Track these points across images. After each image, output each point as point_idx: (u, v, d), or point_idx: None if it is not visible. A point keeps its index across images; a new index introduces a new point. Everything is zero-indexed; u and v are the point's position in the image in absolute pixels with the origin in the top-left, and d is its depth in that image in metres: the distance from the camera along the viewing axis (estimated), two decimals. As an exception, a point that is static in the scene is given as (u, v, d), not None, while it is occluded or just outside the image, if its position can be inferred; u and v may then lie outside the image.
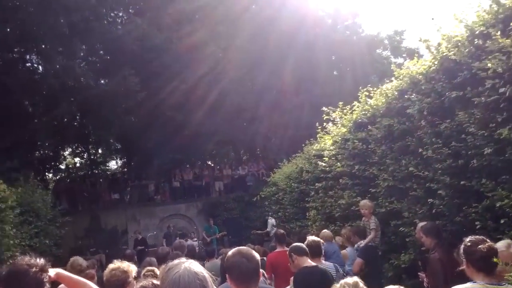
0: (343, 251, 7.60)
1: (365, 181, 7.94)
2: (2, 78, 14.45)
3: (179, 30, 20.57)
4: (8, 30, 14.79)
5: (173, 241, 18.03)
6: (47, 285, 2.21)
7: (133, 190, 22.16)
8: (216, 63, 21.12)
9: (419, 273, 5.81)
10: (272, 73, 21.99)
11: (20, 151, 16.23)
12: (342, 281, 3.53)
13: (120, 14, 22.29)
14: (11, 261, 9.94)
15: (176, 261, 1.92)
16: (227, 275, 2.71)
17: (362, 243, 7.07)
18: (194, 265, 1.89)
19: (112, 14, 21.50)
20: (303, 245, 5.41)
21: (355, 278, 3.51)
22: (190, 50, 19.89)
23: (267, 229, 15.00)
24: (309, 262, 5.25)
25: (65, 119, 18.37)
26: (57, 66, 14.89)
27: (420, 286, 6.36)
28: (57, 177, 23.90)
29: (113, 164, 28.50)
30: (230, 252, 2.74)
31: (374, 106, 7.80)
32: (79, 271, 6.87)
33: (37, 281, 2.14)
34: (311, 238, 6.12)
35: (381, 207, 7.31)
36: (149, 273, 5.23)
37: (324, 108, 9.48)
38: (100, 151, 26.54)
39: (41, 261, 2.21)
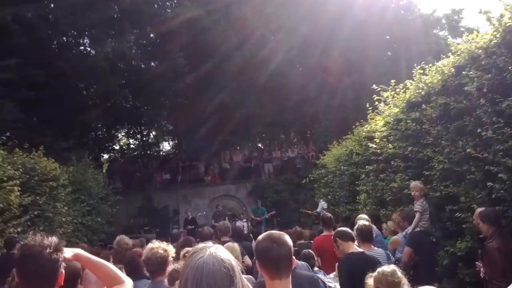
0: (395, 237, 7.27)
1: (419, 164, 7.52)
2: (56, 62, 14.89)
3: (228, 12, 20.40)
4: (60, 14, 15.17)
5: (222, 221, 18.23)
6: (63, 264, 2.10)
7: (183, 171, 22.49)
8: (264, 44, 20.85)
9: (476, 263, 5.44)
10: (322, 54, 21.47)
11: (74, 132, 16.77)
12: (379, 269, 3.33)
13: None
14: (63, 238, 10.42)
15: (201, 245, 1.72)
16: (256, 262, 2.53)
17: (409, 229, 6.72)
18: (221, 251, 1.68)
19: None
20: (349, 230, 5.17)
21: (392, 266, 3.31)
22: (239, 32, 19.73)
23: (317, 210, 14.78)
24: (355, 248, 5.01)
25: (118, 101, 18.70)
26: (108, 49, 15.16)
27: (477, 276, 5.99)
28: (111, 158, 24.60)
29: (165, 146, 29.04)
30: (260, 237, 2.55)
31: (429, 84, 7.31)
32: (125, 250, 6.98)
33: (52, 262, 2.03)
34: (361, 222, 5.86)
35: (435, 191, 6.90)
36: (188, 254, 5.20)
37: (375, 87, 9.02)
38: (153, 132, 27.05)
39: (54, 240, 2.09)
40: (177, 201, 21.28)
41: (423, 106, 7.24)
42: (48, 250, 2.04)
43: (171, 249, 4.35)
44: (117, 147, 26.41)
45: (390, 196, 8.41)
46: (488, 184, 5.53)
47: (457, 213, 6.36)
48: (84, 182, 13.04)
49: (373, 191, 9.49)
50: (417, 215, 6.79)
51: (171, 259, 4.23)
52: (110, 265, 2.37)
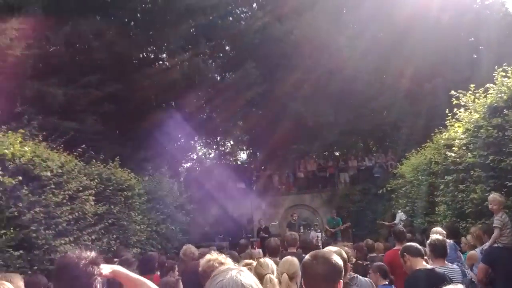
0: (472, 252, 6.73)
1: (501, 174, 6.91)
2: (135, 76, 15.61)
3: (300, 21, 20.29)
4: (139, 31, 15.93)
5: (296, 230, 18.04)
6: (99, 279, 2.10)
7: (258, 180, 22.60)
8: (339, 51, 20.45)
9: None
10: (400, 59, 20.62)
11: (152, 142, 17.43)
12: None
13: (244, 9, 22.73)
14: (136, 245, 10.80)
15: (224, 267, 1.65)
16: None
17: (486, 245, 6.16)
18: (243, 275, 1.60)
19: (236, 11, 22.06)
20: (417, 245, 4.84)
21: (459, 286, 3.00)
22: (312, 40, 19.53)
23: (395, 222, 14.15)
24: (424, 264, 4.66)
25: (194, 111, 19.23)
26: (185, 63, 15.67)
27: None
28: (188, 167, 25.33)
29: (241, 156, 29.41)
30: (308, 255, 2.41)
31: (512, 87, 6.73)
32: (192, 259, 7.05)
33: (87, 274, 2.04)
34: (434, 236, 5.48)
35: (519, 204, 6.31)
36: (247, 266, 5.10)
37: (453, 92, 8.45)
38: (230, 142, 27.54)
39: (92, 253, 2.10)
40: (251, 210, 21.39)
41: (505, 111, 6.66)
42: (83, 262, 2.05)
43: (228, 262, 4.29)
44: (194, 157, 27.14)
45: (470, 208, 7.83)
46: None
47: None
48: (160, 191, 13.45)
49: (453, 203, 8.89)
50: (496, 231, 6.23)
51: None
52: (149, 283, 2.34)
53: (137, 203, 11.48)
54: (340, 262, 2.33)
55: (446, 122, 9.44)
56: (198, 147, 27.97)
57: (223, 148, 27.57)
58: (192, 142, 26.59)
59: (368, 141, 27.17)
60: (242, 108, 19.53)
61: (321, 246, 12.33)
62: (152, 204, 12.93)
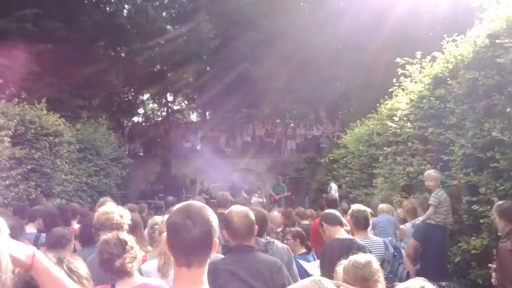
0: (402, 226, 6.52)
1: (439, 147, 6.69)
2: (77, 16, 14.43)
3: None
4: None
5: (238, 194, 17.74)
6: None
7: (204, 141, 22.05)
8: (297, 15, 19.84)
9: (490, 265, 4.67)
10: (359, 31, 20.21)
11: (93, 90, 16.44)
12: (352, 257, 2.69)
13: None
14: (61, 195, 10.11)
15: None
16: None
17: (418, 220, 5.95)
18: None
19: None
20: (337, 213, 4.48)
21: (368, 257, 2.65)
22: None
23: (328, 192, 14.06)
24: (342, 233, 4.33)
25: (141, 63, 18.22)
26: (129, 7, 14.60)
27: (491, 280, 5.22)
28: (133, 121, 24.40)
29: (190, 115, 28.62)
30: (175, 208, 1.90)
31: (459, 57, 6.40)
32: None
33: None
34: (356, 207, 5.17)
35: (453, 179, 6.09)
36: (156, 226, 4.63)
37: (399, 60, 8.09)
38: (178, 99, 26.69)
39: None
40: (195, 171, 20.90)
41: (449, 81, 6.37)
42: None
43: (128, 216, 3.78)
44: (141, 111, 26.17)
45: (405, 181, 7.63)
46: (514, 174, 4.72)
47: (475, 206, 5.57)
48: (94, 141, 12.66)
49: (390, 175, 8.70)
50: (431, 208, 5.98)
51: (127, 227, 3.66)
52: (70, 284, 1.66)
53: (65, 151, 10.67)
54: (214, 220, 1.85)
55: (390, 91, 9.13)
56: (147, 102, 26.97)
57: (171, 105, 26.68)
58: (140, 96, 25.58)
59: (320, 111, 27.01)
60: (192, 64, 18.63)
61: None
62: (84, 154, 12.15)
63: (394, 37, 19.91)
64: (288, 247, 4.13)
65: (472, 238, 5.53)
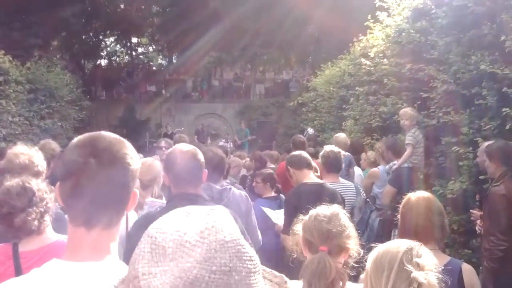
0: (373, 169, 6.06)
1: (417, 85, 6.12)
2: None
3: None
4: None
5: (203, 140, 17.15)
6: None
7: (170, 85, 21.12)
8: None
9: (471, 211, 4.22)
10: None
11: (48, 28, 15.11)
12: (313, 211, 2.09)
13: None
14: (8, 139, 9.24)
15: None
16: None
17: (395, 164, 5.47)
18: None
19: None
20: (304, 155, 3.91)
21: (335, 209, 2.06)
22: None
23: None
24: (311, 178, 3.77)
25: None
26: None
27: (468, 225, 4.85)
28: (95, 63, 23.09)
29: (155, 59, 27.31)
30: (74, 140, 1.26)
31: (444, -17, 5.73)
32: (52, 156, 5.78)
33: None
34: (328, 147, 4.61)
35: (432, 118, 5.58)
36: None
37: None
38: (140, 40, 25.31)
39: None
40: (160, 115, 20.11)
41: (434, 10, 5.71)
42: None
43: (40, 162, 3.10)
44: (104, 54, 24.72)
45: (377, 122, 7.11)
46: (503, 110, 4.19)
47: (455, 147, 5.08)
48: (46, 81, 11.60)
49: (361, 117, 8.16)
50: (409, 148, 5.52)
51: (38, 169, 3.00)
52: None
53: (12, 90, 9.68)
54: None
55: (365, 24, 8.41)
56: (108, 43, 25.48)
57: (135, 46, 25.30)
58: (102, 38, 24.10)
59: (290, 56, 26.14)
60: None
61: (228, 156, 11.59)
62: (36, 95, 11.14)
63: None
64: (246, 194, 3.55)
65: (451, 182, 5.08)
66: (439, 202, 2.80)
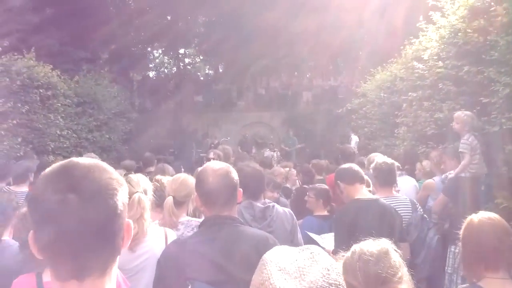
0: (429, 181, 5.62)
1: (476, 89, 5.66)
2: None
3: None
4: None
5: (248, 150, 16.99)
6: None
7: (217, 95, 21.15)
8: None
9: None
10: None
11: (99, 43, 15.49)
12: (358, 247, 1.75)
13: None
14: (57, 152, 9.43)
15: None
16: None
17: (452, 173, 5.02)
18: None
19: None
20: (355, 168, 3.60)
21: (384, 244, 1.71)
22: None
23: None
24: (363, 193, 3.46)
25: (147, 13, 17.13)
26: None
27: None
28: (143, 75, 23.51)
29: (202, 69, 27.54)
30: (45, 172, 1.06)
31: (505, -22, 5.26)
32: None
33: None
34: (381, 158, 4.28)
35: (494, 125, 5.11)
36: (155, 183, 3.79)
37: None
38: (187, 51, 25.61)
39: None
40: (207, 125, 20.14)
41: (494, 7, 5.25)
42: None
43: None
44: (151, 66, 25.19)
45: (432, 130, 6.65)
46: None
47: (521, 156, 4.62)
48: (94, 94, 11.85)
49: (414, 124, 7.72)
50: (466, 157, 5.06)
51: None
52: None
53: (60, 104, 9.91)
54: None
55: (418, 26, 7.94)
56: (157, 55, 25.96)
57: (182, 57, 25.63)
58: (149, 49, 24.57)
59: (338, 61, 25.63)
60: (202, 11, 17.44)
61: (274, 165, 11.35)
62: (84, 108, 11.39)
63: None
64: (291, 212, 3.29)
65: (516, 194, 4.61)
66: (505, 222, 2.48)
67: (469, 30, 5.70)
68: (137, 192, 3.02)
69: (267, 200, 3.30)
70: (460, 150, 5.02)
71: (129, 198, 3.06)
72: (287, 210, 3.35)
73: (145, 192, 3.12)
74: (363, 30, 20.10)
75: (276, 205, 3.27)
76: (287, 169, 7.56)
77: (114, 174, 1.04)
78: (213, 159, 5.78)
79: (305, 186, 6.79)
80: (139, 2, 17.04)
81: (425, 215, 4.42)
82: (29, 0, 12.93)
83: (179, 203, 3.33)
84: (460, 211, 4.72)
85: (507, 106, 4.95)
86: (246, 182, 3.21)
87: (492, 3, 5.33)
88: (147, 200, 3.05)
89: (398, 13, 18.37)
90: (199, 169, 2.39)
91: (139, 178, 3.20)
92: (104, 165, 1.05)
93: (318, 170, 7.64)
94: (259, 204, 3.16)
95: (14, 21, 12.24)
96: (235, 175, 2.25)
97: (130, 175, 3.29)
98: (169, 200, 3.26)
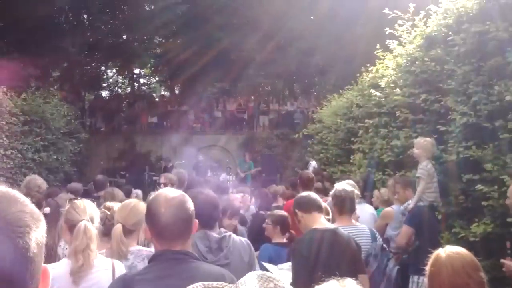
0: (387, 209, 5.54)
1: (433, 118, 5.70)
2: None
3: None
4: None
5: (203, 174, 16.66)
6: None
7: (172, 116, 20.78)
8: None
9: (502, 260, 3.70)
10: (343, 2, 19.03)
11: (49, 60, 14.89)
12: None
13: None
14: (1, 173, 8.82)
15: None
16: None
17: (411, 203, 4.97)
18: None
19: None
20: (313, 196, 3.45)
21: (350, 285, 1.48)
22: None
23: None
24: (322, 222, 3.30)
25: (99, 29, 16.67)
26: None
27: (493, 272, 4.32)
28: (96, 94, 22.83)
29: (157, 89, 27.13)
30: None
31: (461, 8, 5.36)
32: (37, 193, 5.34)
33: None
34: (341, 185, 4.14)
35: (451, 154, 5.12)
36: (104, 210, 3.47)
37: (387, 11, 6.94)
38: (142, 71, 25.19)
39: None
40: (161, 147, 19.69)
41: (451, 37, 5.32)
42: None
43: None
44: (105, 85, 24.51)
45: (390, 157, 6.65)
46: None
47: (478, 185, 4.62)
48: (42, 113, 11.26)
49: (370, 151, 7.72)
50: (421, 183, 4.99)
51: None
52: None
53: (4, 122, 9.31)
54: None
55: (375, 53, 8.04)
56: (111, 74, 25.33)
57: (137, 77, 25.17)
58: (103, 68, 23.95)
59: (294, 86, 25.92)
60: (158, 31, 17.19)
61: (230, 190, 11.11)
62: (31, 127, 10.79)
63: (376, 6, 18.85)
64: (248, 242, 3.07)
65: (475, 224, 4.59)
66: (473, 257, 2.41)
67: (427, 59, 5.77)
68: (83, 220, 2.76)
69: (222, 230, 3.07)
70: (417, 175, 4.96)
71: (74, 226, 2.78)
72: (244, 239, 3.13)
73: (92, 220, 2.85)
74: (319, 56, 20.40)
75: (233, 235, 3.05)
76: (241, 194, 7.33)
77: (28, 207, 0.80)
78: (165, 184, 5.47)
79: (261, 212, 6.60)
80: (94, 19, 16.54)
81: (384, 245, 4.30)
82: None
83: (128, 231, 3.08)
84: (422, 240, 4.66)
85: (464, 135, 4.98)
86: (200, 210, 2.98)
87: (449, 33, 5.41)
88: (94, 228, 2.79)
89: (353, 40, 18.87)
90: (150, 197, 2.13)
91: (85, 204, 2.92)
92: (17, 194, 0.81)
93: (275, 195, 7.49)
94: (214, 234, 2.93)
95: None
96: (190, 205, 2.02)
97: (75, 201, 2.99)
98: (118, 228, 3.00)
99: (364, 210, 5.61)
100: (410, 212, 4.79)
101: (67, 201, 3.20)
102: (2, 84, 9.70)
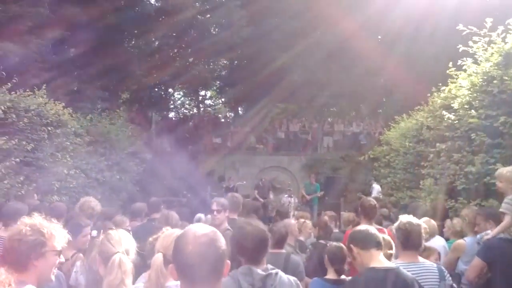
0: (459, 241, 4.98)
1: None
2: (98, 1, 13.45)
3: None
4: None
5: (265, 194, 16.44)
6: None
7: (236, 136, 20.85)
8: (340, 1, 18.24)
9: None
10: (403, 17, 18.39)
11: (117, 83, 15.45)
12: None
13: None
14: (63, 192, 9.04)
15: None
16: None
17: (488, 233, 4.39)
18: None
19: None
20: (371, 231, 3.07)
21: None
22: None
23: (372, 195, 12.49)
24: (380, 260, 2.92)
25: (167, 53, 17.13)
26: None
27: None
28: (164, 116, 23.48)
29: (222, 110, 27.50)
30: None
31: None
32: (90, 215, 5.31)
33: None
34: (406, 218, 3.71)
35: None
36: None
37: (461, 27, 6.40)
38: (207, 93, 25.64)
39: None
40: (224, 168, 19.73)
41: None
42: None
43: (52, 232, 2.45)
44: (172, 106, 25.21)
45: (463, 184, 6.04)
46: None
47: None
48: (107, 134, 11.59)
49: (442, 176, 7.12)
50: (507, 218, 4.40)
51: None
52: None
53: (69, 143, 9.59)
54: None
55: (447, 72, 7.45)
56: (178, 96, 26.03)
57: (202, 99, 25.65)
58: (170, 90, 24.64)
59: (361, 107, 25.23)
60: (224, 54, 17.38)
61: (291, 212, 10.77)
62: (95, 147, 11.10)
63: (444, 25, 18.01)
64: (298, 282, 2.75)
65: None
66: None
67: (506, 78, 5.21)
68: (117, 252, 2.58)
69: (269, 266, 2.77)
70: (501, 210, 4.40)
71: (109, 258, 2.61)
72: (293, 279, 2.81)
73: (127, 252, 2.67)
74: (387, 76, 19.75)
75: (280, 273, 2.74)
76: (302, 220, 6.97)
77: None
78: (218, 211, 5.19)
79: (321, 241, 6.21)
80: (161, 43, 17.02)
81: (454, 285, 3.78)
82: (50, 39, 12.97)
83: (170, 262, 2.84)
84: (501, 276, 4.10)
85: (551, 162, 4.38)
86: (246, 243, 2.73)
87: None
88: (129, 262, 2.60)
89: (424, 59, 18.08)
90: (179, 233, 1.89)
91: (120, 236, 2.75)
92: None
93: (323, 228, 7.04)
94: (259, 271, 2.64)
95: (32, 59, 12.25)
96: (222, 243, 1.74)
97: (110, 232, 2.82)
98: (158, 258, 2.76)
99: (434, 242, 5.09)
100: (485, 243, 4.23)
101: (101, 231, 3.05)
102: (72, 106, 10.04)
